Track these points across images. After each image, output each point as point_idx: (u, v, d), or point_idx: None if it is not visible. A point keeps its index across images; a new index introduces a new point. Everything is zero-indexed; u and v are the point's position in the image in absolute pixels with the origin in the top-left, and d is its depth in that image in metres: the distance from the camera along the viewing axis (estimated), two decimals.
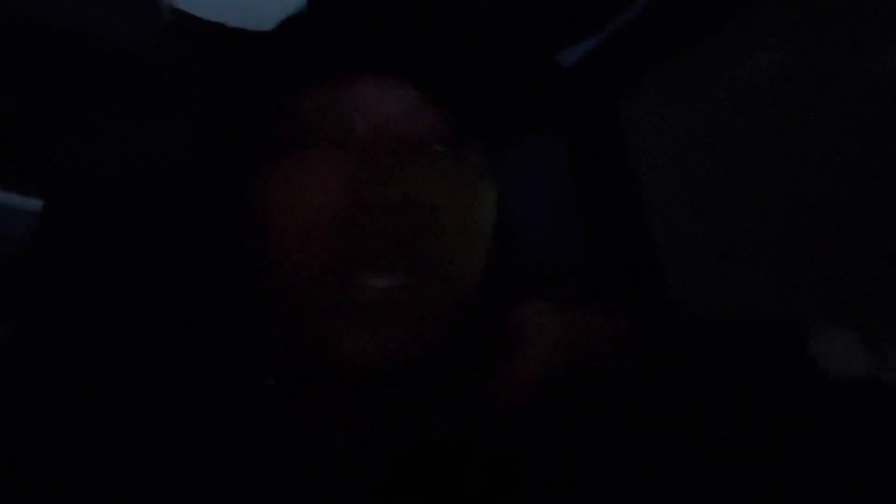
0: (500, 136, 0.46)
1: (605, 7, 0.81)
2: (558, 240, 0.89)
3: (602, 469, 0.42)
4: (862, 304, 0.75)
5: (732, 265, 0.88)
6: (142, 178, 0.47)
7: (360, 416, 0.40)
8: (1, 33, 0.69)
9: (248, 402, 0.40)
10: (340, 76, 0.37)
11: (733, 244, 0.88)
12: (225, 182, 0.41)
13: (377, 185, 0.35)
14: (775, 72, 0.86)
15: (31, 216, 0.56)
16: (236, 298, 0.41)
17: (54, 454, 0.35)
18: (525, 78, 0.83)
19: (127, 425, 0.37)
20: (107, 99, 0.68)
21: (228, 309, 0.42)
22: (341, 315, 0.35)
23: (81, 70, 0.70)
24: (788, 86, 0.84)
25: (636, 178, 0.95)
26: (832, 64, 0.80)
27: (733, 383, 0.40)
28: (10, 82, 0.67)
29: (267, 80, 0.37)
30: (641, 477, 0.41)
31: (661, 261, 0.93)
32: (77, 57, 0.70)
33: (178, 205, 0.43)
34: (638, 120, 0.95)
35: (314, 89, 0.37)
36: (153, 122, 0.51)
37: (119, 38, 0.74)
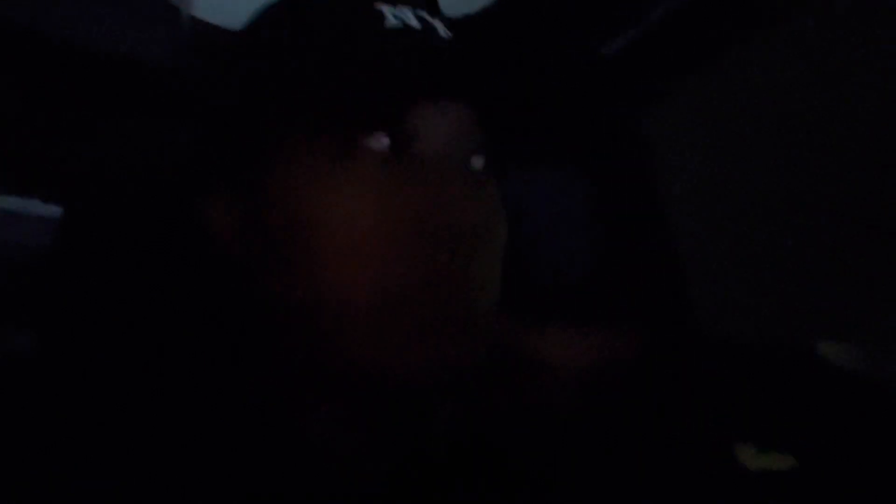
0: (527, 152, 0.48)
1: (628, 15, 0.81)
2: (579, 253, 0.88)
3: (611, 479, 0.42)
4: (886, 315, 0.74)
5: (756, 278, 0.87)
6: (160, 183, 0.46)
7: (368, 420, 0.40)
8: (24, 49, 0.70)
9: (251, 404, 0.40)
10: (397, 96, 0.37)
11: (756, 257, 0.87)
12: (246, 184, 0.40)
13: (442, 211, 0.35)
14: (798, 85, 0.85)
15: (48, 222, 0.56)
16: (248, 302, 0.40)
17: (73, 457, 0.35)
18: (552, 89, 0.83)
19: (145, 427, 0.37)
20: (127, 107, 0.69)
21: (239, 312, 0.41)
22: (401, 332, 0.35)
23: (103, 79, 0.70)
24: (812, 99, 0.83)
25: (658, 188, 0.95)
26: (857, 77, 0.79)
27: (741, 397, 0.41)
28: (28, 91, 0.67)
29: (318, 97, 0.37)
30: (650, 486, 0.42)
31: (683, 273, 0.92)
32: (97, 66, 0.71)
33: (191, 209, 0.42)
34: (661, 131, 0.94)
35: (370, 106, 0.36)
36: (174, 129, 0.50)
37: (139, 48, 0.74)
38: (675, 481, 0.42)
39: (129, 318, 0.43)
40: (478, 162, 0.39)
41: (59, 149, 0.66)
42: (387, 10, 0.37)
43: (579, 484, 0.42)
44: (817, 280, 0.83)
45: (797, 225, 0.85)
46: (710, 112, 0.92)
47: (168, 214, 0.44)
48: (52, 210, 0.60)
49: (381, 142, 0.36)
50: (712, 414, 0.42)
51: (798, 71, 0.85)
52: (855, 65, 0.80)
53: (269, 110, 0.38)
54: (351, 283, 0.35)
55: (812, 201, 0.83)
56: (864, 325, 0.76)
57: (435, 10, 0.40)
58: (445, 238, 0.35)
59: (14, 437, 0.36)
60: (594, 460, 0.42)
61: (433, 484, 0.40)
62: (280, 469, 0.38)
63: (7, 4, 0.69)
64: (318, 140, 0.36)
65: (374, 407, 0.39)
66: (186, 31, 0.78)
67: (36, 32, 0.70)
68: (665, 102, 0.91)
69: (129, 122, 0.62)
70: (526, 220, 0.56)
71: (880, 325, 0.73)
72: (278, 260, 0.37)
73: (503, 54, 0.46)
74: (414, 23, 0.37)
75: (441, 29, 0.39)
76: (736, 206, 0.92)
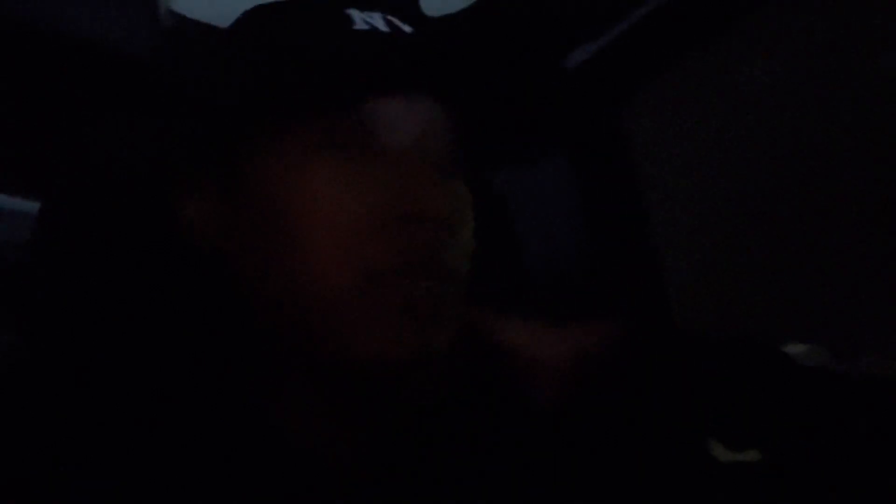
0: (509, 147, 0.48)
1: (608, 12, 0.81)
2: (561, 246, 0.89)
3: (586, 472, 0.43)
4: (857, 313, 0.75)
5: (733, 271, 0.88)
6: (139, 177, 0.46)
7: (359, 416, 0.41)
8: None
9: (230, 396, 0.41)
10: (369, 91, 0.39)
11: (734, 250, 0.88)
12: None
13: (410, 198, 0.37)
14: (778, 79, 0.85)
15: (26, 217, 0.56)
16: (227, 293, 0.41)
17: (54, 453, 0.36)
18: (532, 86, 0.84)
19: (125, 423, 0.38)
20: (105, 99, 0.68)
21: (218, 304, 0.42)
22: (378, 316, 0.37)
23: (79, 72, 0.70)
24: (792, 93, 0.84)
25: (638, 183, 0.95)
26: (835, 70, 0.80)
27: (720, 392, 0.43)
28: (6, 84, 0.66)
29: (293, 91, 0.39)
30: (624, 480, 0.43)
31: (662, 267, 0.93)
32: (76, 59, 0.70)
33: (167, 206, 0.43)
34: (640, 125, 0.95)
35: (344, 100, 0.38)
36: (152, 124, 0.50)
37: (117, 40, 0.73)
38: (649, 474, 0.43)
39: (108, 312, 0.43)
40: (451, 157, 0.41)
41: (37, 144, 0.65)
42: (356, 14, 0.39)
43: (555, 477, 0.43)
44: (791, 276, 0.84)
45: (774, 221, 0.86)
46: (689, 107, 0.93)
47: (146, 209, 0.44)
48: (30, 205, 0.59)
49: (343, 137, 0.38)
50: (685, 408, 0.43)
51: (776, 67, 0.85)
52: (832, 60, 0.81)
53: (245, 106, 0.40)
54: (327, 268, 0.37)
55: (791, 198, 0.84)
56: (832, 324, 0.77)
57: (411, 15, 0.42)
58: (416, 226, 0.37)
59: None
60: (569, 454, 0.43)
61: (411, 470, 0.41)
62: (261, 463, 0.38)
63: None
64: (291, 133, 0.38)
65: (351, 394, 0.41)
66: (166, 23, 0.78)
67: (12, 19, 0.69)
68: (642, 98, 0.92)
69: (106, 114, 0.62)
70: (513, 210, 0.56)
71: (850, 325, 0.75)
72: (256, 249, 0.39)
73: (478, 52, 0.46)
74: (382, 26, 0.39)
75: (411, 31, 0.41)
76: (713, 202, 0.92)
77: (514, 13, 0.78)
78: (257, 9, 0.43)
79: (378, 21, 0.40)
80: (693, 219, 0.93)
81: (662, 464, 0.44)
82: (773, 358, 0.43)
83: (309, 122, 0.38)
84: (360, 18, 0.39)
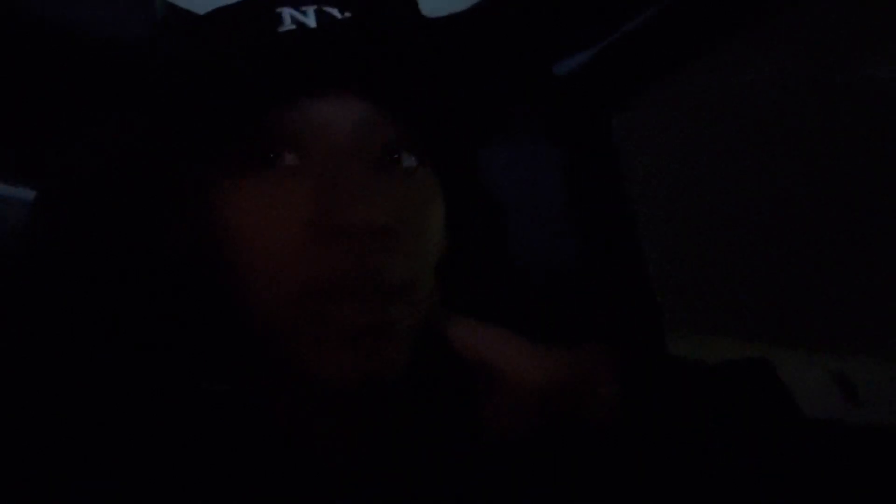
0: (472, 142, 0.46)
1: (603, 19, 0.82)
2: (549, 247, 0.89)
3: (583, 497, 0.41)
4: (846, 334, 0.76)
5: (721, 276, 0.89)
6: (116, 172, 0.45)
7: (338, 423, 0.40)
8: None
9: (239, 401, 0.40)
10: (294, 95, 0.37)
11: (723, 255, 0.89)
12: (181, 190, 0.41)
13: (336, 210, 0.35)
14: (767, 89, 0.86)
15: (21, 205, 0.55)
16: (198, 304, 0.40)
17: (55, 455, 0.35)
18: (512, 87, 0.83)
19: (126, 427, 0.37)
20: (94, 90, 0.67)
21: (191, 313, 0.41)
22: (318, 339, 0.35)
23: (69, 61, 0.69)
24: (781, 101, 0.85)
25: (626, 188, 0.96)
26: (826, 80, 0.81)
27: (711, 421, 0.39)
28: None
29: (225, 99, 0.37)
30: None
31: (649, 271, 0.94)
32: (65, 49, 0.69)
33: (138, 203, 0.42)
34: (631, 131, 0.95)
35: (269, 109, 0.37)
36: (141, 115, 0.50)
37: (108, 30, 0.72)
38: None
39: (106, 310, 0.43)
40: (391, 158, 0.39)
41: (25, 134, 0.65)
42: (287, 12, 0.37)
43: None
44: (778, 281, 0.85)
45: (762, 228, 0.87)
46: (680, 115, 0.94)
47: (133, 218, 0.44)
48: (26, 193, 0.59)
49: (266, 151, 0.37)
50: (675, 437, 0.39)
51: (767, 76, 0.86)
52: (821, 70, 0.81)
53: (183, 128, 0.38)
54: (265, 289, 0.36)
55: (779, 205, 0.85)
56: (821, 327, 0.78)
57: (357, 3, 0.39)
58: (350, 239, 0.34)
59: None
60: (543, 486, 0.40)
61: (407, 471, 0.40)
62: (262, 463, 0.38)
63: None
64: (222, 149, 0.37)
65: (328, 406, 0.40)
66: (159, 12, 0.77)
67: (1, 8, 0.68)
68: (634, 106, 0.92)
69: (98, 104, 0.61)
70: (503, 200, 0.53)
71: (839, 328, 0.76)
72: (214, 276, 0.38)
73: (473, 51, 0.44)
74: (311, 22, 0.37)
75: (347, 18, 0.38)
76: (702, 209, 0.93)
77: (511, 17, 0.78)
78: (182, 19, 0.41)
79: (309, 17, 0.37)
80: (681, 225, 0.94)
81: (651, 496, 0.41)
82: (763, 384, 0.41)
83: (235, 137, 0.37)
84: (290, 16, 0.37)
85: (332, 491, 0.39)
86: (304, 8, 0.37)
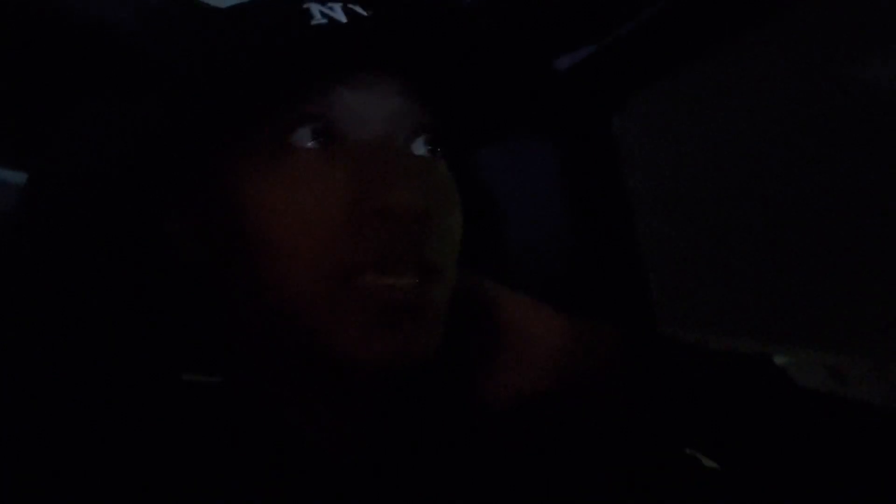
0: (486, 137, 0.47)
1: (606, 17, 0.82)
2: (547, 244, 0.89)
3: (587, 483, 0.42)
4: (838, 326, 0.76)
5: (719, 277, 0.89)
6: (117, 161, 0.45)
7: (350, 414, 0.41)
8: None
9: (241, 399, 0.40)
10: (327, 78, 0.38)
11: (720, 256, 0.89)
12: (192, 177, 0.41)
13: (378, 192, 0.36)
14: (767, 88, 0.86)
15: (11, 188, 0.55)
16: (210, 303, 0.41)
17: (57, 456, 0.35)
18: (519, 80, 0.83)
19: (125, 427, 0.37)
20: (93, 77, 0.67)
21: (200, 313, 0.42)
22: (356, 318, 0.35)
23: (68, 48, 0.68)
24: (780, 103, 0.85)
25: (625, 186, 0.96)
26: (823, 82, 0.81)
27: (710, 405, 0.41)
28: None
29: (250, 93, 0.38)
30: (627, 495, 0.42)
31: (646, 271, 0.94)
32: (64, 35, 0.69)
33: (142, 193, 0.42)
34: (630, 130, 0.95)
35: (301, 98, 0.37)
36: (138, 102, 0.49)
37: (109, 16, 0.72)
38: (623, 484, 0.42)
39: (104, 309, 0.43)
40: (420, 146, 0.40)
41: (20, 119, 0.64)
42: (315, 8, 0.38)
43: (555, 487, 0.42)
44: (775, 281, 0.85)
45: (759, 229, 0.87)
46: (678, 115, 0.94)
47: (127, 216, 0.44)
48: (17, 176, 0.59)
49: (304, 137, 0.37)
50: (666, 417, 0.41)
51: (769, 74, 0.86)
52: (819, 71, 0.81)
53: (205, 115, 0.39)
54: (299, 270, 0.36)
55: (777, 206, 0.85)
56: (817, 328, 0.78)
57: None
58: (390, 221, 0.35)
59: None
60: (567, 464, 0.42)
61: (418, 483, 0.40)
62: (269, 460, 0.38)
63: None
64: (254, 137, 0.38)
65: (342, 396, 0.40)
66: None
67: None
68: (633, 105, 0.92)
69: (93, 92, 0.61)
70: (502, 196, 0.54)
71: (835, 329, 0.76)
72: (235, 260, 0.38)
73: (473, 43, 0.44)
74: (340, 17, 0.38)
75: (371, 15, 0.39)
76: (700, 209, 0.93)
77: (513, 11, 0.78)
78: (215, 13, 0.42)
79: (338, 12, 0.38)
80: (679, 223, 0.94)
81: (637, 472, 0.43)
82: (766, 371, 0.42)
83: (270, 124, 0.37)
84: (319, 12, 0.38)
85: (338, 484, 0.39)
86: (330, 4, 0.39)
